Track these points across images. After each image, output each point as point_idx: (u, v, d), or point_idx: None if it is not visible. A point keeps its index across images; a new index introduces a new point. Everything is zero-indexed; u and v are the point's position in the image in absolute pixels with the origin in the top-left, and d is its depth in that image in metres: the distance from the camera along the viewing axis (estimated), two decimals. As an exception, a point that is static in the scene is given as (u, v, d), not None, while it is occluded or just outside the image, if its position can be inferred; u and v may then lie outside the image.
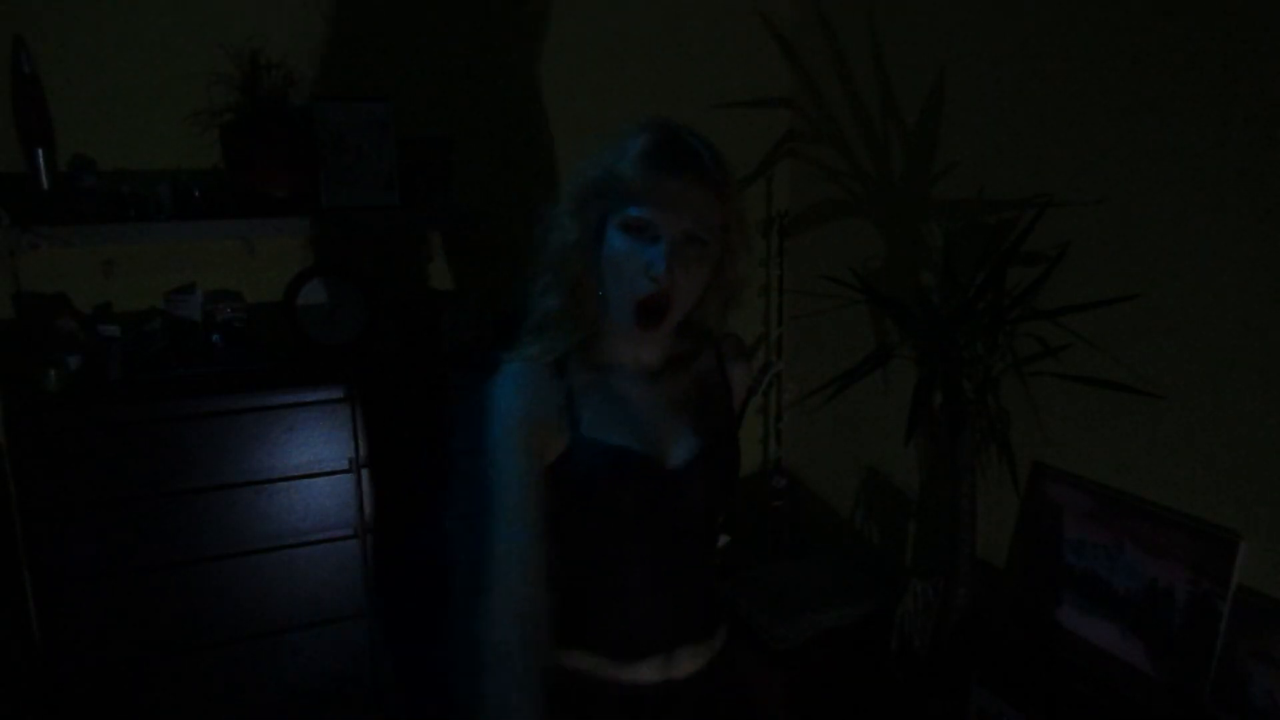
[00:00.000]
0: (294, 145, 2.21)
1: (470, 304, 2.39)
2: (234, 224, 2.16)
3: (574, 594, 1.26)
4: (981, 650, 2.11)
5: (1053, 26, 2.03)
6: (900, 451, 2.55)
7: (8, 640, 2.05)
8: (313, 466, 2.15)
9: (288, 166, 2.20)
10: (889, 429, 2.61)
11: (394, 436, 2.21)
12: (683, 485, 1.26)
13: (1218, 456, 1.78)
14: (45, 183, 2.05)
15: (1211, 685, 1.75)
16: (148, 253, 2.26)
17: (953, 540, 2.13)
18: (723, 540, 2.77)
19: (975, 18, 2.23)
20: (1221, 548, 1.75)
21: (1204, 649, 1.76)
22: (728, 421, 1.34)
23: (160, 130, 2.22)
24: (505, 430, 1.20)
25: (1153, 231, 1.86)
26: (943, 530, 2.17)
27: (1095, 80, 1.95)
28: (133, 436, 1.99)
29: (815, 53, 2.80)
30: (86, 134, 2.17)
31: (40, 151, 2.04)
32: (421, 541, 2.26)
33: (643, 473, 1.23)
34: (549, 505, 1.21)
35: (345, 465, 2.18)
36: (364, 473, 2.20)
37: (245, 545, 2.11)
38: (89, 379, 2.07)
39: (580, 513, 1.23)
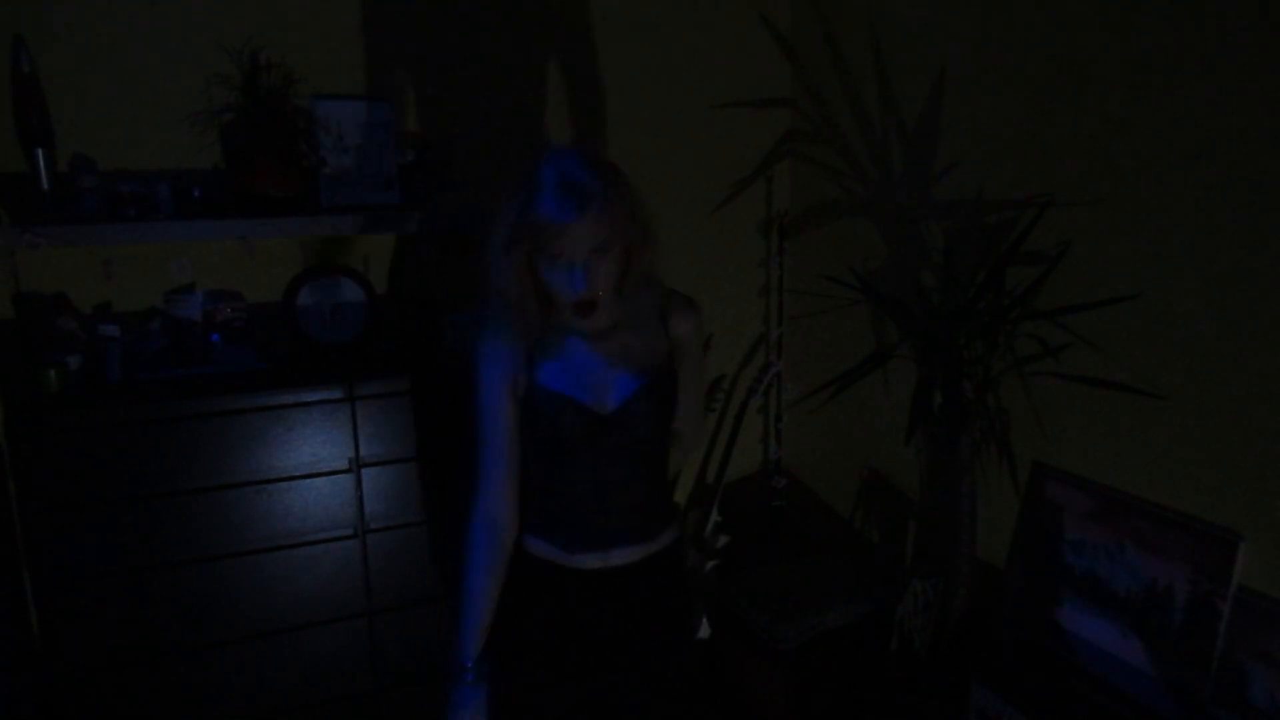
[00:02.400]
0: (294, 145, 2.21)
1: (469, 303, 2.39)
2: (234, 224, 2.16)
3: (539, 498, 1.66)
4: (981, 650, 2.11)
5: (1052, 26, 2.03)
6: (900, 451, 2.55)
7: (8, 640, 2.05)
8: (313, 466, 2.15)
9: (288, 166, 2.20)
10: (889, 429, 2.61)
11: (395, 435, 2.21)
12: (618, 423, 1.59)
13: (1218, 456, 1.78)
14: (45, 183, 2.05)
15: (1211, 685, 1.75)
16: (148, 253, 2.26)
17: (953, 540, 2.13)
18: (723, 540, 2.77)
19: (975, 18, 2.23)
20: (1221, 548, 1.75)
21: (1204, 649, 1.76)
22: (666, 363, 1.65)
23: (160, 130, 2.22)
24: (485, 381, 1.61)
25: (1153, 231, 1.86)
26: (943, 530, 2.16)
27: (1095, 80, 1.95)
28: (133, 436, 1.99)
29: (815, 53, 2.80)
30: (86, 134, 2.17)
31: (40, 151, 2.04)
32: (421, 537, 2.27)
33: (581, 413, 1.57)
34: (521, 433, 1.63)
35: (345, 465, 2.18)
36: (364, 473, 2.20)
37: (245, 545, 2.12)
38: (89, 379, 2.07)
39: (538, 440, 1.62)
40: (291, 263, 2.36)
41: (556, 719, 1.66)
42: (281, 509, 2.14)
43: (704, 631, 2.67)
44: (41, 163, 2.04)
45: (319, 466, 2.16)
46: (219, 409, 2.05)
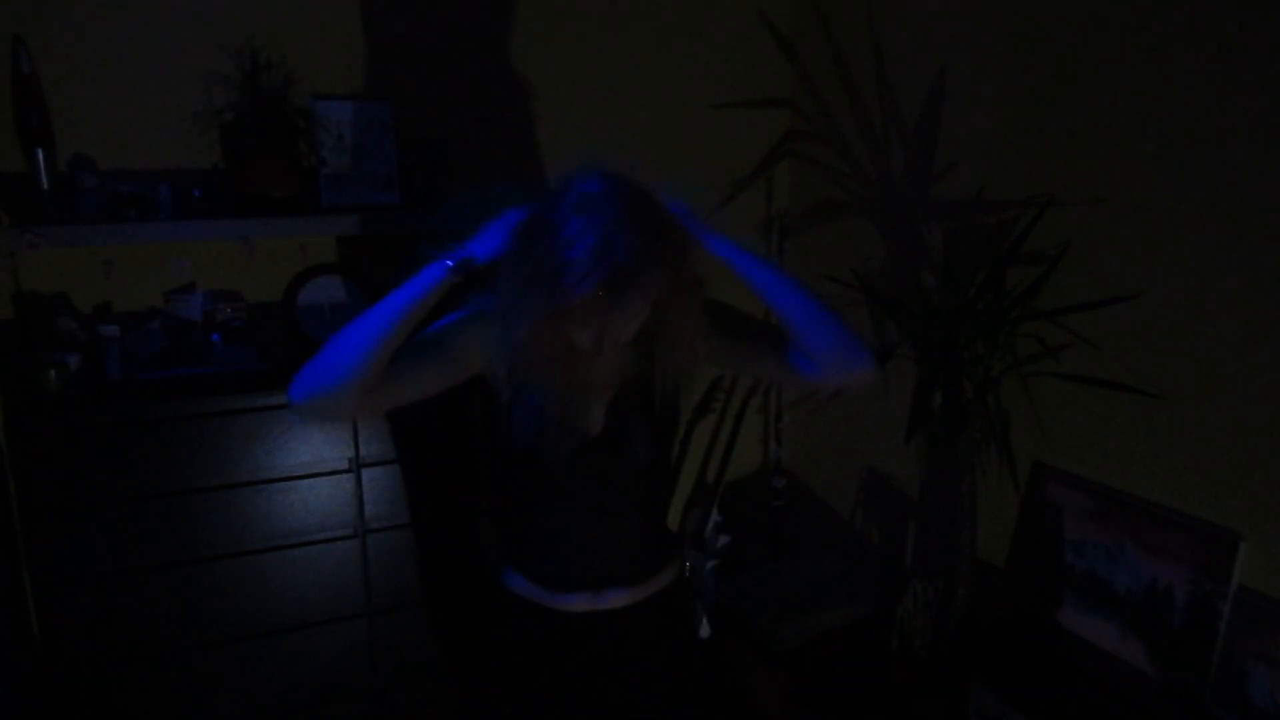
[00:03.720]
0: (294, 145, 2.21)
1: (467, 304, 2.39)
2: (234, 224, 2.16)
3: (515, 529, 1.47)
4: (981, 650, 2.11)
5: (1052, 26, 2.03)
6: (900, 451, 2.55)
7: (8, 640, 2.05)
8: (313, 466, 2.15)
9: (288, 166, 2.20)
10: (889, 429, 2.61)
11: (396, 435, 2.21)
12: (607, 443, 1.38)
13: (1218, 456, 1.78)
14: (45, 183, 2.05)
15: (1211, 685, 1.75)
16: (148, 253, 2.26)
17: (953, 540, 2.13)
18: (723, 540, 2.77)
19: (974, 18, 2.23)
20: (1221, 548, 1.75)
21: (1204, 649, 1.76)
22: (669, 385, 1.40)
23: (160, 130, 2.22)
24: (459, 323, 1.33)
25: (1153, 231, 1.86)
26: (943, 530, 2.16)
27: (1095, 80, 1.95)
28: (133, 436, 1.99)
29: (815, 53, 2.80)
30: (86, 134, 2.17)
31: (40, 151, 2.04)
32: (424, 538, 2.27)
33: (563, 430, 1.36)
34: (491, 451, 1.44)
35: (345, 465, 2.18)
36: (364, 473, 2.20)
37: (245, 545, 2.11)
38: (89, 379, 2.07)
39: (514, 461, 1.40)
40: (291, 263, 2.36)
41: None
42: (281, 509, 2.14)
43: (704, 631, 2.67)
44: (41, 163, 2.04)
45: (319, 466, 2.16)
46: (219, 409, 2.05)
